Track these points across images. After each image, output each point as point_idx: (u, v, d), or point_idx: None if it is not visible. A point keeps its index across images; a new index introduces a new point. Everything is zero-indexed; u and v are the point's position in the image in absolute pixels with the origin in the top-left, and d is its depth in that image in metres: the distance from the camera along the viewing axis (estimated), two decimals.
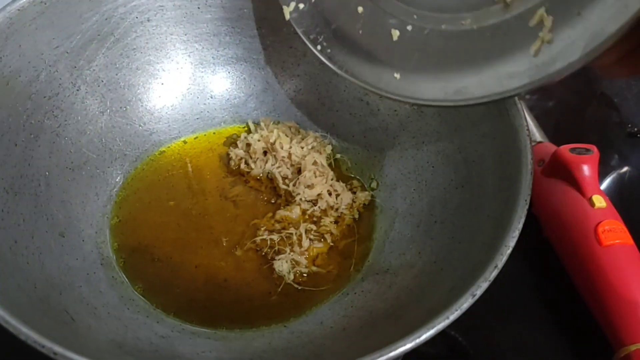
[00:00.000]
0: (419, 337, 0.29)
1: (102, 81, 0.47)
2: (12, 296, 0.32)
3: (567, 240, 0.50)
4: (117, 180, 0.47)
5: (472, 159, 0.42)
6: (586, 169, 0.52)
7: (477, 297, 0.31)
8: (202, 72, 0.52)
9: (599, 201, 0.50)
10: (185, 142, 0.51)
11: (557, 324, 0.49)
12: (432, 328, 0.29)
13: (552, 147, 0.57)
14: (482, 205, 0.39)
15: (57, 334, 0.31)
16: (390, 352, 0.28)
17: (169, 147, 0.50)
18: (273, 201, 0.48)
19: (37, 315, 0.32)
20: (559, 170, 0.53)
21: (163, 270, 0.43)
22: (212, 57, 0.52)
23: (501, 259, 0.32)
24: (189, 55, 0.51)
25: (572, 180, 0.52)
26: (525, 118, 0.38)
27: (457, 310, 0.30)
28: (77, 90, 0.46)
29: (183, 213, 0.47)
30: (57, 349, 0.27)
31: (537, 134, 0.58)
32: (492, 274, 0.31)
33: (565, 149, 0.53)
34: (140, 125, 0.50)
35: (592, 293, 0.47)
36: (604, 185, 0.64)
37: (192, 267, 0.44)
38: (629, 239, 0.48)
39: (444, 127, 0.45)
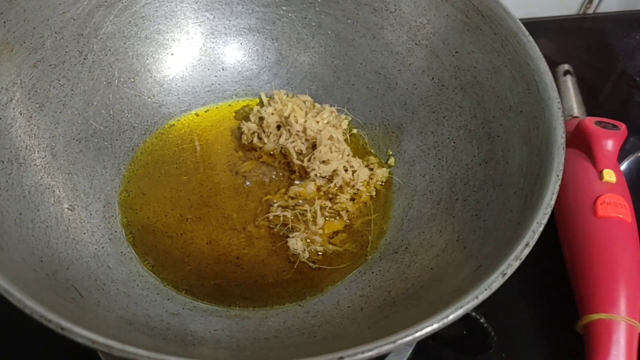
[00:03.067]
0: (447, 316, 0.27)
1: (110, 50, 0.45)
2: (17, 269, 0.30)
3: (565, 208, 0.49)
4: (125, 153, 0.46)
5: (496, 134, 0.40)
6: (609, 144, 0.51)
7: (507, 276, 0.29)
8: (213, 42, 0.50)
9: (609, 175, 0.49)
10: (197, 114, 0.49)
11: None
12: (461, 308, 0.28)
13: (574, 121, 0.55)
14: (508, 182, 0.37)
15: (65, 309, 0.30)
16: (417, 332, 0.27)
17: (178, 120, 0.49)
18: (286, 177, 0.46)
19: (44, 290, 0.31)
20: (579, 141, 0.52)
21: (173, 246, 0.42)
22: (224, 27, 0.50)
23: (533, 237, 0.30)
24: (199, 25, 0.49)
25: (589, 152, 0.51)
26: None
27: (486, 289, 0.28)
28: (84, 59, 0.44)
29: (193, 188, 0.45)
30: (65, 323, 0.25)
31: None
32: (523, 252, 0.30)
33: (590, 120, 0.52)
34: (149, 97, 0.48)
35: (575, 260, 0.47)
36: (621, 168, 0.62)
37: (203, 244, 0.42)
38: (628, 216, 0.47)
39: (466, 101, 0.43)
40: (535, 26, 0.74)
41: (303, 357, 0.26)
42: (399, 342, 0.26)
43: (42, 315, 0.26)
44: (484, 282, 0.29)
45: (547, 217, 0.31)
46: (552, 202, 0.31)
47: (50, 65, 0.42)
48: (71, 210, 0.40)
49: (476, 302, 0.28)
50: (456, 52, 0.44)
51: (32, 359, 0.44)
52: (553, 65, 0.64)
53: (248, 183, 0.46)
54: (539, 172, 0.34)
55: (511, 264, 0.29)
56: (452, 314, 0.27)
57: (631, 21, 0.77)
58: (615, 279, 0.43)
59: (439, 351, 0.46)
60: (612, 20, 0.78)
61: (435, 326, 0.27)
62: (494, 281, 0.29)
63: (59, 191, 0.40)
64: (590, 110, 0.68)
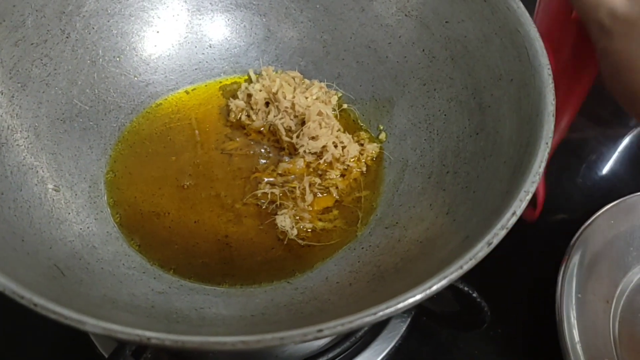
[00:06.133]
0: (430, 287, 0.27)
1: (93, 28, 0.44)
2: None
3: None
4: (111, 133, 0.45)
5: (487, 104, 0.39)
6: None
7: (493, 245, 0.28)
8: (199, 19, 0.49)
9: None
10: (187, 92, 0.48)
11: None
12: (444, 278, 0.27)
13: None
14: (498, 152, 0.36)
15: (43, 287, 0.29)
16: (399, 303, 0.26)
17: (165, 99, 0.48)
18: (275, 154, 0.46)
19: (22, 269, 0.30)
20: None
21: (160, 226, 0.41)
22: (210, 4, 0.49)
23: (520, 205, 0.29)
24: (185, 1, 0.48)
25: None
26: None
27: (471, 259, 0.27)
28: (67, 37, 0.43)
29: (181, 167, 0.45)
30: (37, 299, 0.25)
31: None
32: (509, 221, 0.29)
33: None
34: (135, 76, 0.47)
35: None
36: (622, 146, 0.61)
37: (191, 223, 0.42)
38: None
39: (457, 72, 0.42)
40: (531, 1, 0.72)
41: (285, 331, 0.26)
42: (381, 313, 0.26)
43: (15, 291, 0.25)
44: (469, 252, 0.28)
45: (535, 185, 0.30)
46: (541, 170, 0.30)
47: (32, 44, 0.41)
48: (56, 191, 0.39)
49: (461, 272, 0.27)
50: (446, 22, 0.42)
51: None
52: None
53: (236, 161, 0.45)
54: (529, 141, 0.33)
55: (497, 234, 0.28)
56: (436, 285, 0.27)
57: None
58: None
59: (434, 328, 0.46)
60: None
61: (418, 297, 0.26)
62: (480, 251, 0.28)
63: (43, 171, 0.39)
64: (592, 87, 0.67)
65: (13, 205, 0.35)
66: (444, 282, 0.27)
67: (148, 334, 0.24)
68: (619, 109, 0.64)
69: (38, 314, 0.25)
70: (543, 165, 0.31)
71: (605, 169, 0.59)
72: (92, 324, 0.24)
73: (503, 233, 0.28)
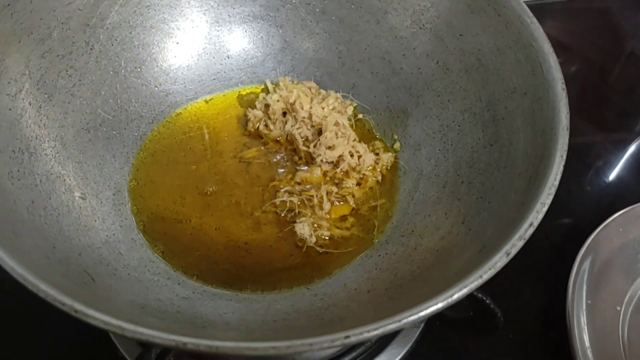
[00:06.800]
0: (451, 296, 0.28)
1: (116, 40, 0.46)
2: (30, 256, 0.31)
3: None
4: (133, 142, 0.46)
5: (501, 116, 0.40)
6: None
7: (511, 255, 0.29)
8: (218, 30, 0.50)
9: None
10: (206, 101, 0.49)
11: None
12: (465, 287, 0.28)
13: None
14: (512, 164, 0.37)
15: (77, 294, 0.30)
16: (421, 311, 0.27)
17: (185, 108, 0.49)
18: (292, 163, 0.47)
19: (56, 275, 0.31)
20: None
21: (182, 233, 0.43)
22: (228, 15, 0.50)
23: (537, 217, 0.30)
24: (204, 13, 0.50)
25: None
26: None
27: (490, 269, 0.29)
28: (91, 49, 0.44)
29: (201, 175, 0.46)
30: (78, 306, 0.26)
31: None
32: (527, 232, 0.30)
33: None
34: (155, 86, 0.48)
35: None
36: (628, 153, 0.62)
37: (212, 230, 0.43)
38: None
39: (471, 84, 0.43)
40: (542, 7, 0.73)
41: (311, 337, 0.27)
42: (404, 321, 0.27)
43: (56, 298, 0.26)
44: (488, 262, 0.29)
45: (551, 197, 0.31)
46: (557, 183, 0.31)
47: (58, 55, 0.42)
48: (82, 199, 0.40)
49: (480, 281, 0.28)
50: (460, 35, 0.44)
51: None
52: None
53: (254, 169, 0.46)
54: (543, 154, 0.34)
55: (515, 244, 0.29)
56: (457, 293, 0.28)
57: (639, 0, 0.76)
58: None
59: (447, 333, 0.47)
60: (620, 0, 0.77)
61: (440, 305, 0.27)
62: (498, 261, 0.29)
63: (70, 180, 0.41)
64: (599, 92, 0.68)
65: (43, 213, 0.37)
66: (464, 291, 0.28)
67: (184, 339, 0.26)
68: (624, 113, 0.65)
69: (77, 319, 0.26)
70: (558, 177, 0.32)
71: (612, 175, 0.60)
72: (131, 329, 0.26)
73: (521, 244, 0.29)
